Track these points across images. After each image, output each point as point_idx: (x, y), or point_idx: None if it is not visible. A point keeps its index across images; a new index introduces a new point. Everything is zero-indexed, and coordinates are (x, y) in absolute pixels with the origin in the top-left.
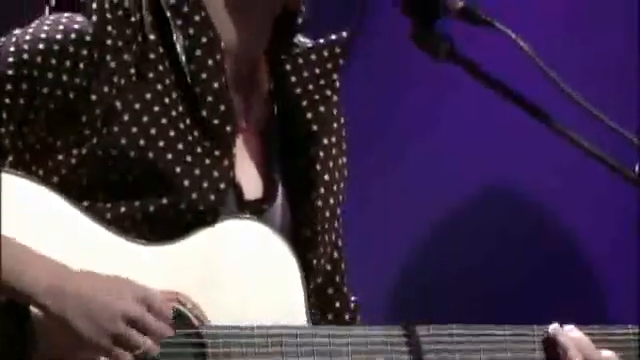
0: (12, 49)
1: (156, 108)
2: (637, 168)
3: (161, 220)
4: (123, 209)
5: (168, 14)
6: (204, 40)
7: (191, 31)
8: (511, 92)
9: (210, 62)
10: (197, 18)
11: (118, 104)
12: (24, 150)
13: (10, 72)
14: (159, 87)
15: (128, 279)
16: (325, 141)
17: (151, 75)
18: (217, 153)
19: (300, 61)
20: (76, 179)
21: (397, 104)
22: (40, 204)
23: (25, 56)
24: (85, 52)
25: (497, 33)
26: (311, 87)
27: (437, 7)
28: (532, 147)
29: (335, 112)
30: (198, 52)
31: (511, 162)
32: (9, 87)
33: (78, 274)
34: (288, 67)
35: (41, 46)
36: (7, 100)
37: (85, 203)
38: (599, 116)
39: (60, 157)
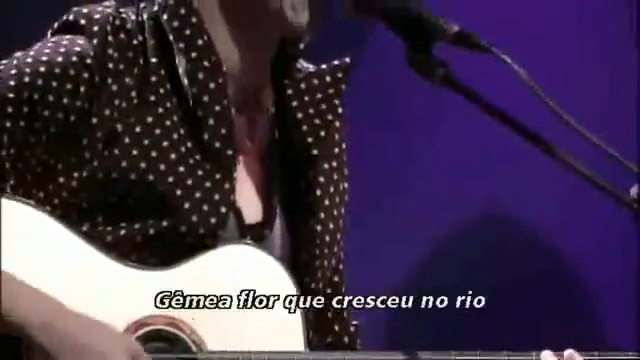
0: (13, 72)
1: (157, 131)
2: (632, 191)
3: (161, 243)
4: (123, 232)
5: (170, 37)
6: (206, 64)
7: (193, 54)
8: (507, 117)
9: (212, 85)
10: (200, 42)
11: (119, 127)
12: (25, 173)
13: (11, 95)
14: (160, 110)
15: (126, 334)
16: (326, 166)
17: (152, 98)
18: (218, 176)
19: (302, 86)
20: (77, 202)
21: (395, 125)
22: (38, 230)
23: (26, 79)
24: (86, 75)
25: (494, 58)
26: (312, 112)
27: (432, 31)
28: (530, 170)
29: (337, 137)
30: (200, 75)
31: (509, 186)
32: (10, 110)
33: (72, 314)
34: (290, 91)
35: (42, 69)
36: (8, 123)
37: (85, 226)
38: (598, 142)
39: (61, 180)
